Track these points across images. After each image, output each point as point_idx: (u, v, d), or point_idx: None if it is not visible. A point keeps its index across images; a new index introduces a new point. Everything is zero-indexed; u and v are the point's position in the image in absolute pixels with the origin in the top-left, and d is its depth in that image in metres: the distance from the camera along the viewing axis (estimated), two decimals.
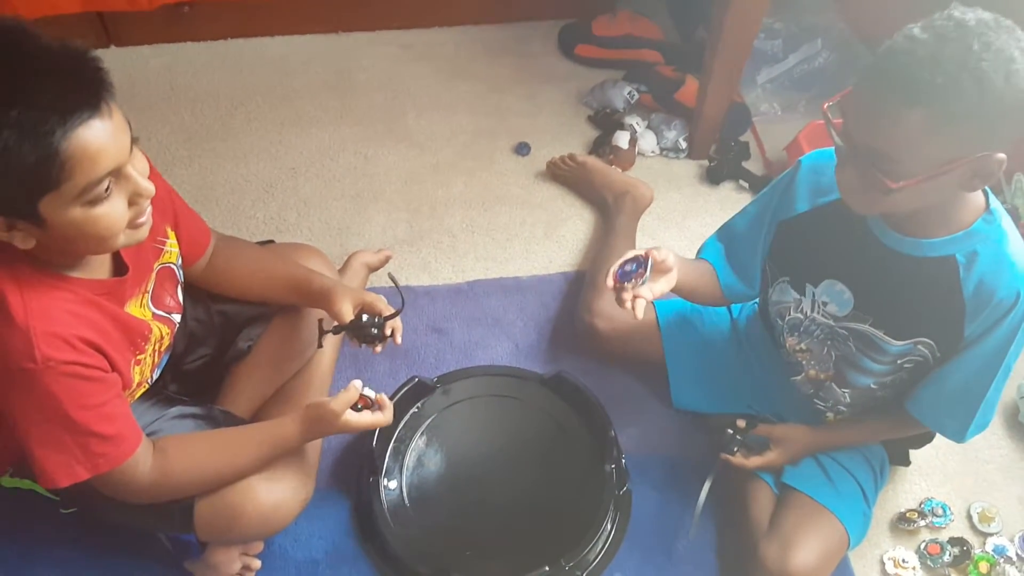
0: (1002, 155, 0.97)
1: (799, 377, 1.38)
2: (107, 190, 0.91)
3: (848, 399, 1.34)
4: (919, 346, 1.19)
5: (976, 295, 1.11)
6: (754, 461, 1.35)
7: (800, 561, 1.27)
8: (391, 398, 1.46)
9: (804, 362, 1.35)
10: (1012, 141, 1.00)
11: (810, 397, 1.39)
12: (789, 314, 1.32)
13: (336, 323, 1.29)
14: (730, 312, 1.54)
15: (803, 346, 1.33)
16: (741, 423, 1.37)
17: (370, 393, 1.22)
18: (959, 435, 1.25)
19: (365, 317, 1.28)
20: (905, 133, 0.95)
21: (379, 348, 1.31)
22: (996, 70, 0.91)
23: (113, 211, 0.93)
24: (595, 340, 1.59)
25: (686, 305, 1.55)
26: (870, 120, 0.99)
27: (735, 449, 1.35)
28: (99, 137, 0.87)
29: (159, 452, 1.11)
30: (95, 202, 0.91)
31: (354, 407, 1.20)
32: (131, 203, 0.95)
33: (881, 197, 1.01)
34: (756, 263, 1.33)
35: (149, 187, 0.96)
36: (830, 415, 1.39)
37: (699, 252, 1.41)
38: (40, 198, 0.87)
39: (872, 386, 1.29)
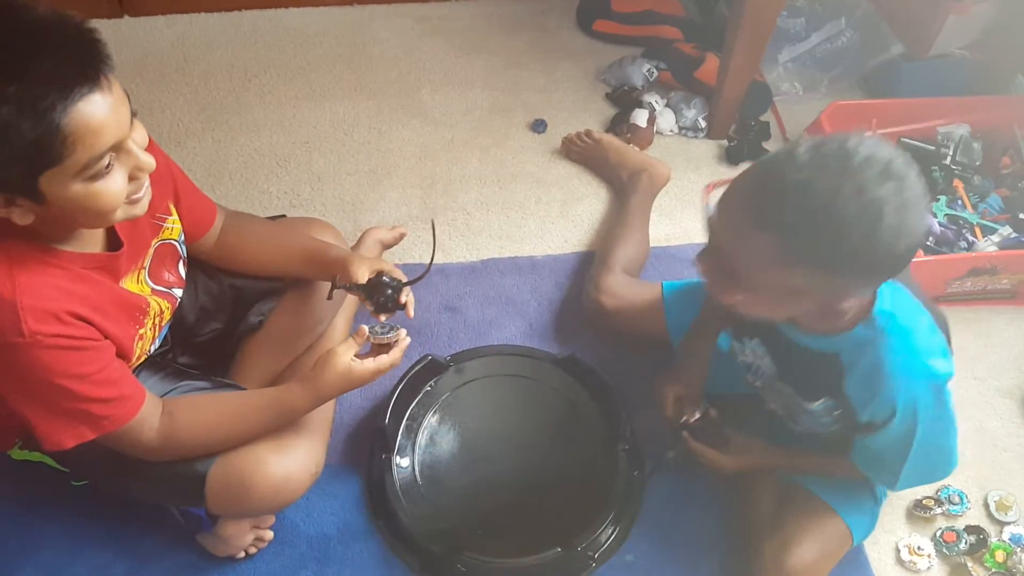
0: (848, 303, 0.94)
1: (767, 408, 1.36)
2: (108, 165, 0.90)
3: (800, 431, 1.32)
4: (836, 410, 1.18)
5: (858, 395, 1.11)
6: (708, 453, 1.32)
7: (798, 559, 1.25)
8: (403, 376, 1.48)
9: (763, 395, 1.34)
10: (867, 291, 0.96)
11: (773, 426, 1.37)
12: (743, 355, 1.31)
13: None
14: None
15: (759, 383, 1.31)
16: (713, 412, 1.34)
17: (386, 335, 1.18)
18: (891, 486, 1.25)
19: (386, 278, 1.25)
20: (751, 253, 0.92)
21: (383, 317, 1.26)
22: (858, 222, 0.85)
23: (114, 186, 0.92)
24: (601, 317, 1.58)
25: (692, 284, 1.53)
26: (725, 226, 0.96)
27: (698, 436, 1.33)
28: (100, 111, 0.86)
29: (167, 414, 1.12)
30: (96, 177, 0.90)
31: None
32: (131, 177, 0.95)
33: (727, 299, 0.99)
34: None
35: (150, 161, 0.95)
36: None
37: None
38: (41, 174, 0.87)
39: (818, 429, 1.27)
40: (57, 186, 0.88)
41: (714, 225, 0.98)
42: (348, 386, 1.18)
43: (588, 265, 1.77)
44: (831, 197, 0.85)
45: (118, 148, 0.91)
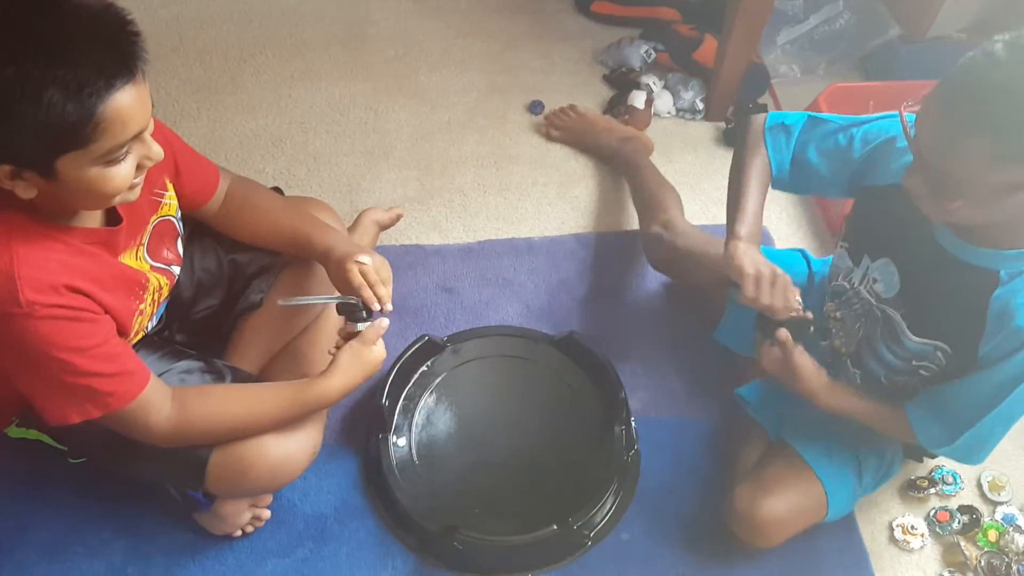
0: None
1: (824, 343, 1.36)
2: (124, 153, 0.93)
3: (858, 380, 1.31)
4: (937, 351, 1.17)
5: (999, 317, 1.08)
6: (795, 357, 1.23)
7: (768, 508, 1.26)
8: (400, 357, 1.49)
9: (834, 330, 1.32)
10: None
11: (827, 366, 1.35)
12: (837, 280, 1.30)
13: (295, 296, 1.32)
14: (809, 266, 1.47)
15: (839, 315, 1.30)
16: (810, 315, 1.25)
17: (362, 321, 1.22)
18: (939, 446, 1.21)
19: (352, 300, 1.22)
20: (969, 160, 0.92)
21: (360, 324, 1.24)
22: None
23: (124, 172, 0.94)
24: (674, 258, 1.56)
25: (768, 253, 1.39)
26: (935, 141, 0.95)
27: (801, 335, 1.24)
28: (132, 103, 0.89)
29: (177, 402, 1.11)
30: (112, 163, 0.92)
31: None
32: (139, 166, 0.97)
33: (947, 209, 0.99)
34: (819, 183, 1.29)
35: (159, 152, 0.98)
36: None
37: (772, 129, 1.31)
38: (63, 155, 0.88)
39: (882, 380, 1.26)
40: (74, 167, 0.90)
41: (920, 140, 0.98)
42: (362, 364, 1.20)
43: (586, 247, 1.78)
44: None
45: (136, 137, 0.93)
